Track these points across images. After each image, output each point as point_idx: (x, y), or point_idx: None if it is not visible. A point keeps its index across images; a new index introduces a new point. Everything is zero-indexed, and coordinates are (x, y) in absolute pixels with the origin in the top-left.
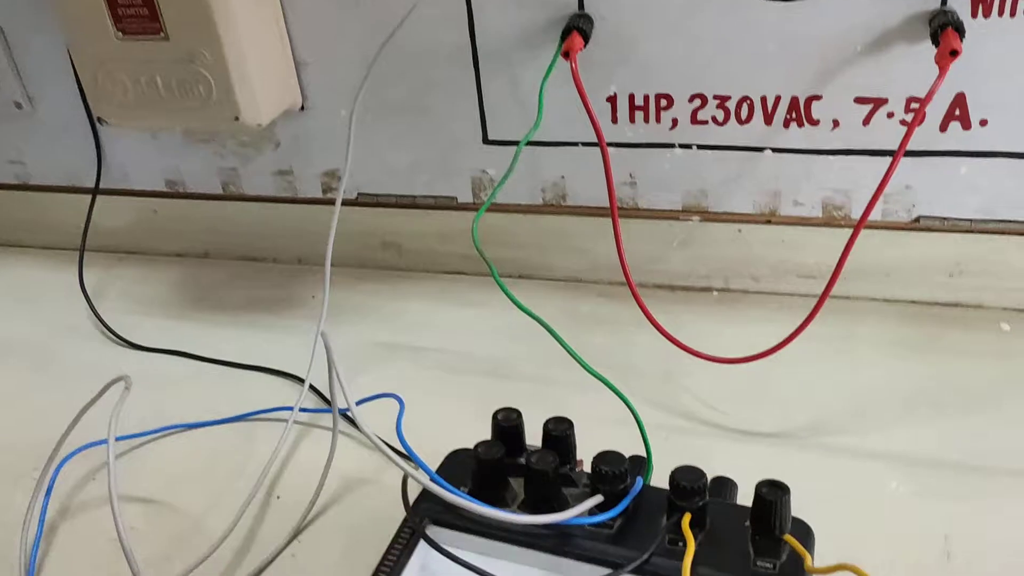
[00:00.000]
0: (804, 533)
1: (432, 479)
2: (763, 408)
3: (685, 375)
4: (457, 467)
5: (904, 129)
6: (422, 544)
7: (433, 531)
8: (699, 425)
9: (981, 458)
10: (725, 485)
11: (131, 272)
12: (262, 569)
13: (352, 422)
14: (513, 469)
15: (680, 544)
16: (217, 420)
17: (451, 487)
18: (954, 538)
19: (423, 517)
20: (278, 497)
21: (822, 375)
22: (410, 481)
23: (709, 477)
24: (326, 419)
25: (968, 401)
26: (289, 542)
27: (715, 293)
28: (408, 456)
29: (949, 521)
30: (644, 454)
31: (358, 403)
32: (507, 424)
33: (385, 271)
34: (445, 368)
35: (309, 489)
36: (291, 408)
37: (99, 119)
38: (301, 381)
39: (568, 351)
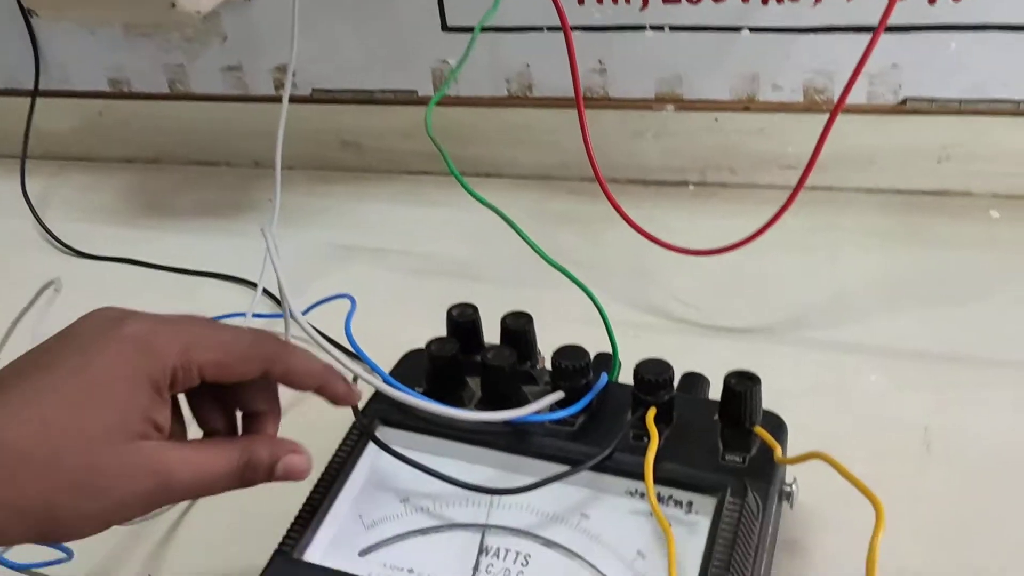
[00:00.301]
0: (776, 426)
1: (383, 379)
2: (737, 303)
3: (656, 271)
4: (412, 368)
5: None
6: (372, 446)
7: (384, 432)
8: (670, 322)
9: (964, 349)
10: (696, 381)
11: (77, 179)
12: None
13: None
14: (470, 368)
15: (645, 440)
16: None
17: (402, 386)
18: (933, 429)
19: (372, 418)
20: None
21: (800, 268)
22: (365, 384)
23: (680, 373)
24: (281, 325)
25: (953, 292)
26: None
27: (691, 187)
28: (358, 356)
29: (929, 413)
30: (611, 351)
31: (307, 309)
32: (462, 320)
33: (345, 172)
34: (407, 270)
35: None
36: (244, 315)
37: (29, 11)
38: (255, 286)
39: (525, 240)
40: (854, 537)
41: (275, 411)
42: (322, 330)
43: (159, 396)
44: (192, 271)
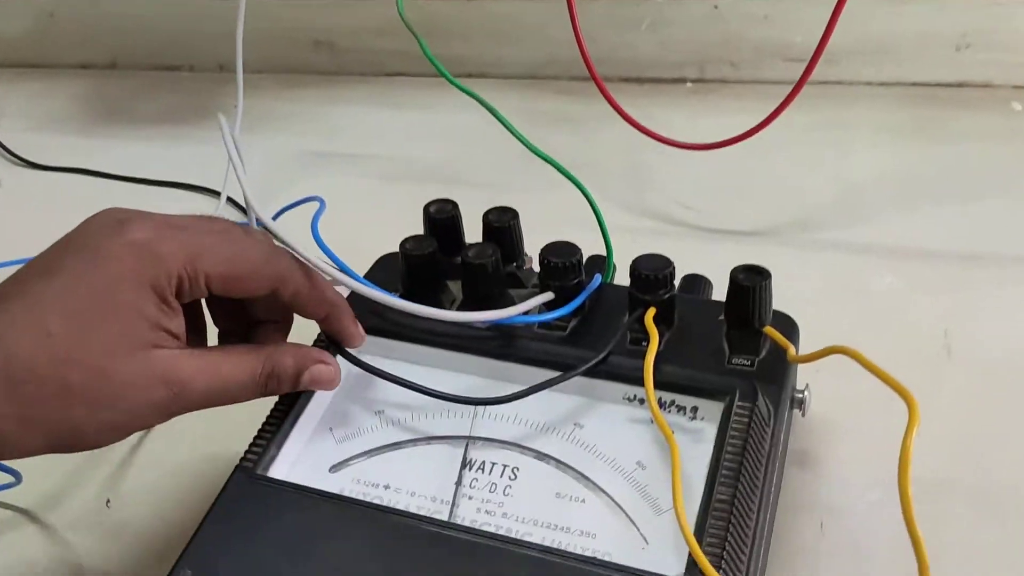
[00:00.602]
0: (787, 326)
1: (355, 278)
2: (741, 205)
3: (654, 173)
4: (386, 272)
5: None
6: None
7: None
8: (669, 225)
9: (984, 247)
10: (698, 283)
11: (29, 87)
12: None
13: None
14: (450, 271)
15: (643, 343)
16: None
17: (376, 286)
18: (954, 333)
19: None
20: None
21: (808, 166)
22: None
23: (680, 275)
24: None
25: (971, 188)
26: None
27: (689, 84)
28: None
29: (948, 315)
30: (604, 253)
31: (275, 215)
32: (441, 217)
33: (318, 75)
34: (383, 176)
35: None
36: None
37: None
38: (219, 195)
39: (509, 128)
40: (869, 447)
41: (287, 321)
42: (293, 241)
43: (166, 304)
44: (151, 180)
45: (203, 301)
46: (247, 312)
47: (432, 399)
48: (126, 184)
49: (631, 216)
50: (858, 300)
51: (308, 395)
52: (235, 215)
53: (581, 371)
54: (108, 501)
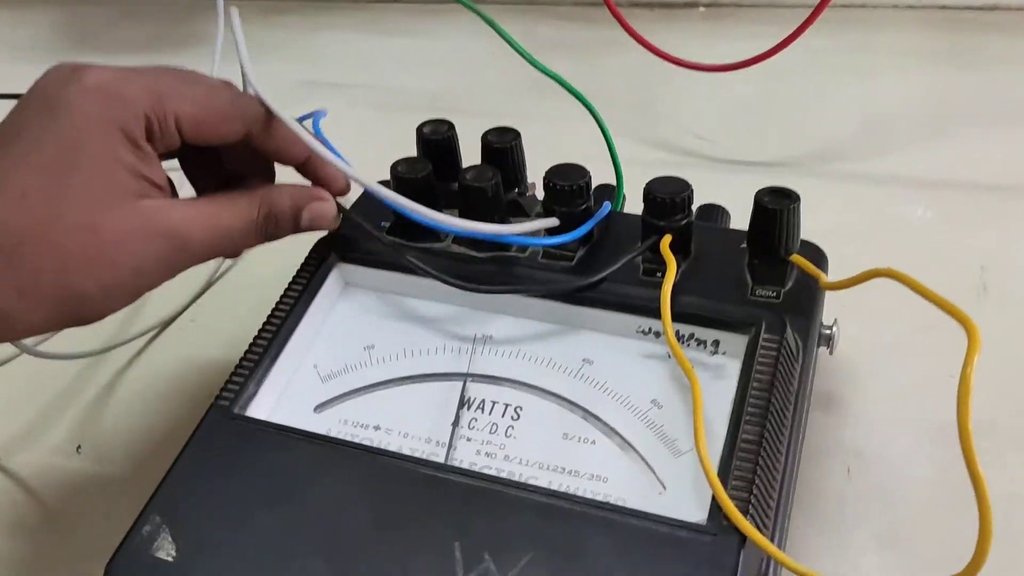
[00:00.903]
0: (815, 255)
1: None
2: (760, 134)
3: (666, 102)
4: (375, 204)
5: None
6: (329, 282)
7: (344, 270)
8: (683, 157)
9: (1020, 176)
10: (714, 214)
11: (4, 16)
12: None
13: None
14: (445, 198)
15: (658, 275)
16: None
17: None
18: (990, 269)
19: (328, 252)
20: None
21: (831, 94)
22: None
23: (695, 207)
24: None
25: (1006, 115)
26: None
27: (701, 9)
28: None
29: (984, 250)
30: (614, 182)
31: None
32: (436, 138)
33: (303, 2)
34: (373, 106)
35: None
36: None
37: None
38: None
39: (513, 45)
40: (898, 389)
41: (269, 174)
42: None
43: (138, 148)
44: None
45: (178, 161)
46: (224, 167)
47: (425, 331)
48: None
49: (641, 147)
50: (886, 234)
51: (292, 324)
52: None
53: (590, 282)
54: (79, 447)
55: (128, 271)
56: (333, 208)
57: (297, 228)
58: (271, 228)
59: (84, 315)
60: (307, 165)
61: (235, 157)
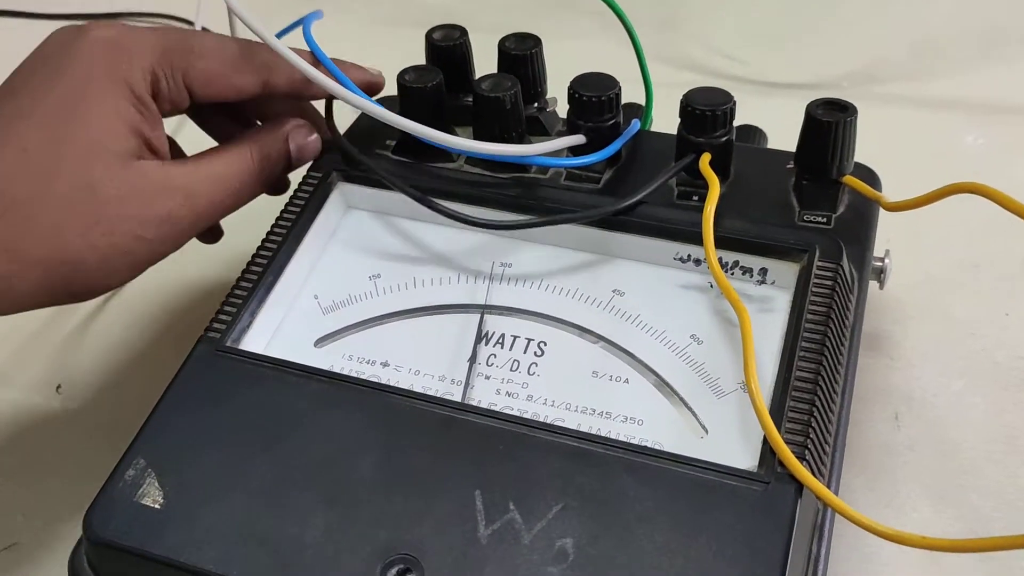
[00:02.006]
0: (869, 178)
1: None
2: (797, 54)
3: (692, 20)
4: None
5: None
6: (330, 203)
7: (344, 190)
8: (713, 78)
9: None
10: (752, 135)
11: None
12: None
13: None
14: (457, 114)
15: (695, 199)
16: None
17: (387, 110)
18: None
19: (329, 172)
20: None
21: (875, 8)
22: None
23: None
24: None
25: None
26: None
27: None
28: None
29: None
30: (643, 102)
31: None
32: (447, 44)
33: None
34: (374, 20)
35: None
36: None
37: None
38: (191, 25)
39: None
40: (950, 330)
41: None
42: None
43: (143, 106)
44: (104, 14)
45: (199, 124)
46: (246, 122)
47: (439, 256)
48: (72, 23)
49: (667, 69)
50: (937, 162)
51: (290, 250)
52: None
53: (628, 204)
54: (59, 387)
55: (129, 238)
56: (317, 140)
57: (291, 164)
58: (268, 168)
59: (77, 288)
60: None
61: (252, 108)
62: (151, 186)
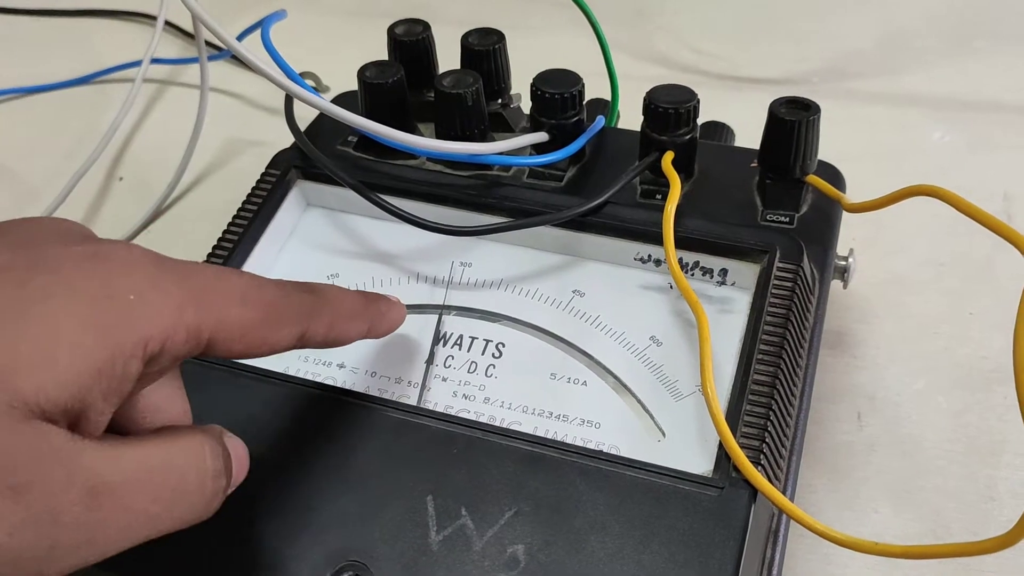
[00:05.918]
0: (833, 177)
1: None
2: (766, 49)
3: (661, 12)
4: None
5: None
6: (289, 201)
7: (303, 187)
8: (681, 73)
9: None
10: (718, 132)
11: None
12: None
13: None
14: (420, 109)
15: (657, 197)
16: (54, 84)
17: (343, 109)
18: (1015, 198)
19: (288, 168)
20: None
21: (845, 4)
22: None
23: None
24: (192, 73)
25: None
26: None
27: None
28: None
29: (1008, 176)
30: (604, 96)
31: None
32: (409, 39)
33: None
34: (342, 12)
35: (167, 167)
36: (139, 63)
37: None
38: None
39: None
40: (913, 329)
41: None
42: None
43: (113, 374)
44: (66, 11)
45: None
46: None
47: (394, 258)
48: (36, 19)
49: (635, 63)
50: (905, 158)
51: (245, 250)
52: (179, 46)
53: (583, 211)
54: None
55: (36, 513)
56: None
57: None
58: (227, 477)
59: None
60: (371, 330)
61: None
62: (56, 462)
